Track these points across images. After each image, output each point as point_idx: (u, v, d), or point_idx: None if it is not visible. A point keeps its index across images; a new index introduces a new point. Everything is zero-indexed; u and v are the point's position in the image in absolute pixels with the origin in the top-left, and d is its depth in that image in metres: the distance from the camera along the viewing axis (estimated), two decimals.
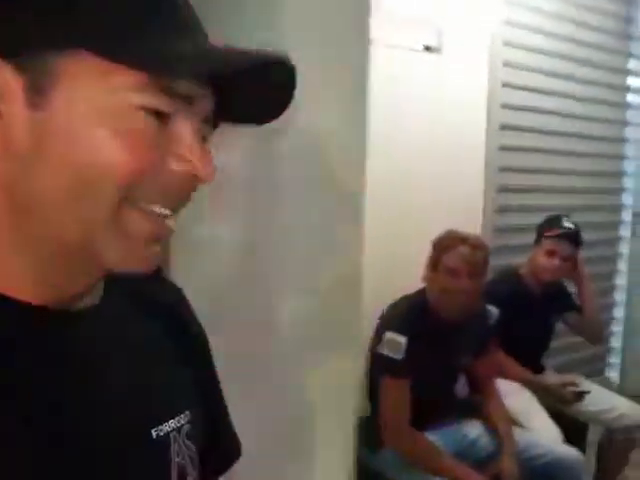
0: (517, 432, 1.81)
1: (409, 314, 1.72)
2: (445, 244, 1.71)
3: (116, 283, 0.47)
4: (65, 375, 0.41)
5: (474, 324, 1.82)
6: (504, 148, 2.53)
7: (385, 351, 1.65)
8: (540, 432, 1.87)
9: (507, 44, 2.46)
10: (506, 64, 2.47)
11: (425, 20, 2.18)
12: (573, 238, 2.04)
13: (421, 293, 1.78)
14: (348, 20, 1.15)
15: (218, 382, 0.59)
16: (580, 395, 2.02)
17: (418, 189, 2.21)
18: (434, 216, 2.18)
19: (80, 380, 0.42)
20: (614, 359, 3.36)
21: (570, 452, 1.83)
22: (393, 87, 2.09)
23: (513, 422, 1.90)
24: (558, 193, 2.81)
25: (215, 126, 0.44)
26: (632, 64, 3.11)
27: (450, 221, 1.86)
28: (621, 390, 3.28)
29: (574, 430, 2.12)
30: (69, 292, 0.43)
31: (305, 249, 1.10)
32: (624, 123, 3.16)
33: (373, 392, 1.76)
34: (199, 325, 0.57)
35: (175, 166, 0.40)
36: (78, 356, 0.43)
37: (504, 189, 2.56)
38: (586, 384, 2.17)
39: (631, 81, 3.14)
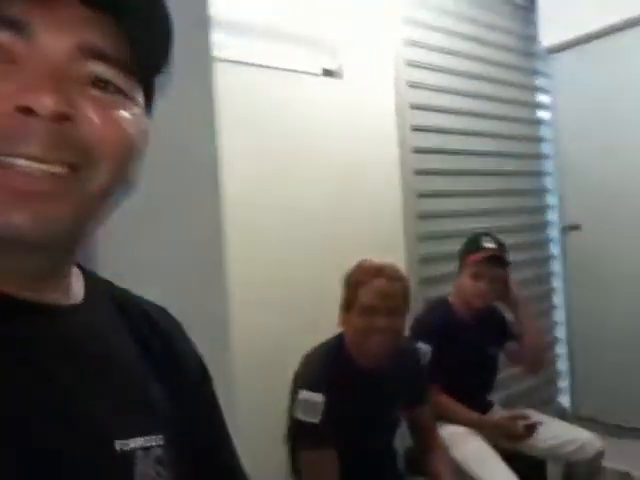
0: None
1: (324, 365, 1.47)
2: (357, 279, 1.49)
3: (107, 290, 0.49)
4: (29, 373, 0.38)
5: (404, 367, 1.60)
6: (420, 172, 2.40)
7: (300, 415, 1.39)
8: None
9: (410, 64, 2.36)
10: (412, 85, 2.36)
11: (323, 43, 2.05)
12: (497, 258, 1.88)
13: (337, 339, 1.55)
14: (189, 37, 0.98)
15: (218, 415, 0.55)
16: (532, 428, 1.81)
17: (329, 221, 2.02)
18: (353, 248, 2.00)
19: (46, 382, 0.39)
20: (562, 383, 3.22)
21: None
22: (294, 111, 1.94)
23: (464, 472, 1.67)
24: (482, 216, 2.70)
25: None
26: (539, 81, 3.10)
27: (370, 253, 1.66)
28: (574, 413, 3.15)
29: (532, 469, 1.92)
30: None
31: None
32: (539, 139, 3.13)
33: (295, 465, 1.48)
34: (196, 353, 0.55)
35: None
36: (47, 353, 0.40)
37: (425, 215, 2.42)
38: (538, 417, 1.98)
39: (540, 98, 3.13)
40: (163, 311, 0.54)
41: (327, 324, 1.58)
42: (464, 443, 1.76)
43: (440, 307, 2.00)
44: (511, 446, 1.85)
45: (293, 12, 1.96)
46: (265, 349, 1.75)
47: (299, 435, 1.41)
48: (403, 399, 1.59)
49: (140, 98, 0.43)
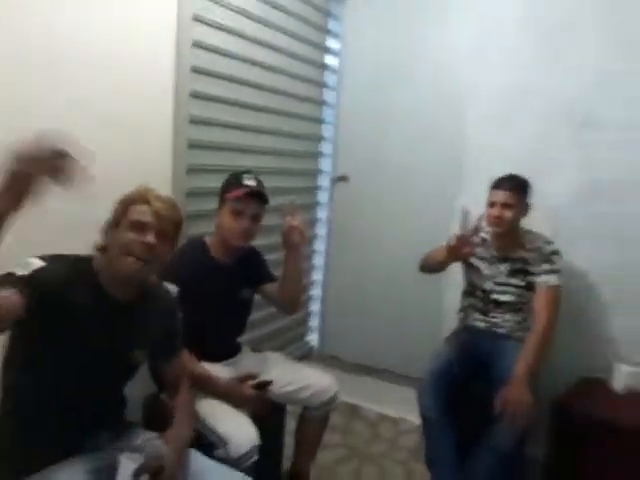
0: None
1: (62, 271, 1.26)
2: (132, 198, 1.33)
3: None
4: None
5: (156, 310, 1.42)
6: (195, 95, 2.16)
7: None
8: (232, 435, 1.59)
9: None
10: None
11: None
12: (258, 194, 1.79)
13: (86, 259, 1.33)
14: None
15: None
16: (262, 387, 1.78)
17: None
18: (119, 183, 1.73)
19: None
20: (312, 323, 3.41)
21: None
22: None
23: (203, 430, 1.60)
24: (256, 154, 2.59)
25: None
26: (330, 24, 3.06)
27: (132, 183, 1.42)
28: (320, 352, 3.38)
29: (272, 411, 1.93)
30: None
31: None
32: (323, 85, 3.12)
33: None
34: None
35: None
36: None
37: (195, 145, 2.21)
38: (275, 364, 1.99)
39: (329, 42, 3.09)
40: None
41: None
42: (201, 397, 1.67)
43: (194, 247, 1.85)
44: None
45: None
46: None
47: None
48: (152, 345, 1.43)
49: None
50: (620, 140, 2.29)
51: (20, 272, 1.17)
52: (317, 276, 3.37)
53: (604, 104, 2.31)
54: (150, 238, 1.28)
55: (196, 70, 2.15)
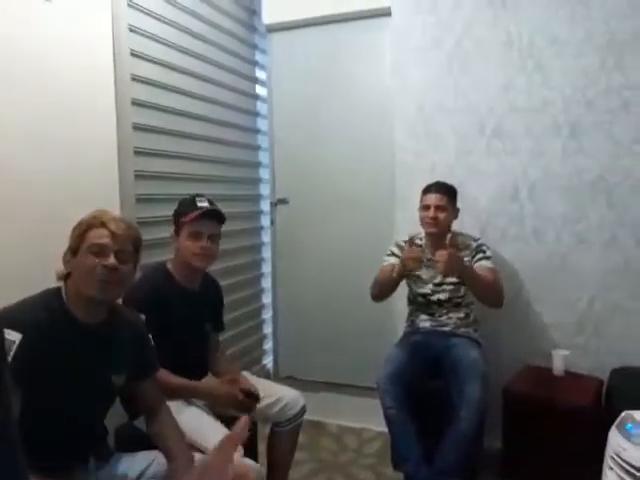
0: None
1: (32, 307, 1.27)
2: (89, 222, 1.34)
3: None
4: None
5: (127, 333, 1.44)
6: (137, 128, 2.21)
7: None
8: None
9: (131, 6, 2.14)
10: (132, 29, 2.15)
11: None
12: (215, 212, 1.86)
13: (54, 292, 1.33)
14: None
15: None
16: (250, 396, 1.84)
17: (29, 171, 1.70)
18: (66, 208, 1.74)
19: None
20: (267, 345, 3.45)
21: (252, 465, 1.63)
22: None
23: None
24: (200, 182, 2.65)
25: None
26: (258, 56, 3.20)
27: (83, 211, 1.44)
28: (276, 374, 3.41)
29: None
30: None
31: None
32: (256, 114, 3.23)
33: None
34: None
35: None
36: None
37: (142, 175, 2.24)
38: (249, 378, 2.04)
39: (259, 73, 3.23)
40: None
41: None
42: (183, 414, 1.69)
43: (156, 273, 1.88)
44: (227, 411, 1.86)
45: None
46: None
47: None
48: (127, 368, 1.43)
49: None
50: (524, 147, 2.55)
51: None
52: (266, 299, 3.43)
53: (508, 115, 2.56)
54: (111, 260, 1.30)
55: (135, 103, 2.20)
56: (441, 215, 2.32)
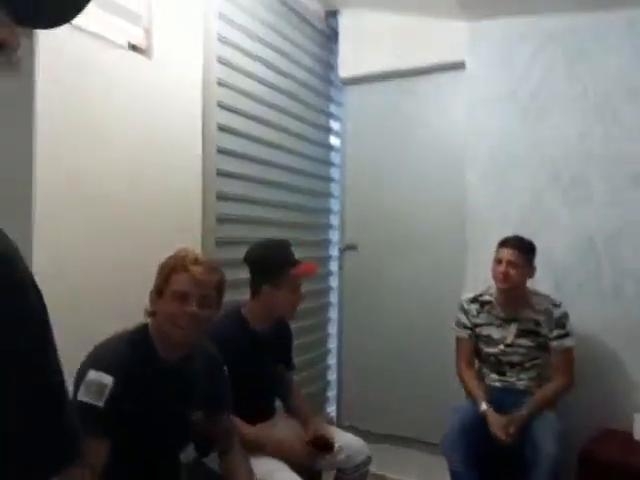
0: None
1: (122, 351, 1.33)
2: (173, 265, 1.39)
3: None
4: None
5: (207, 369, 1.50)
6: (220, 173, 2.34)
7: (83, 396, 1.23)
8: None
9: (220, 61, 2.31)
10: (220, 83, 2.32)
11: (130, 12, 1.87)
12: (315, 270, 1.95)
13: (142, 327, 1.41)
14: None
15: None
16: (323, 446, 1.84)
17: (126, 204, 1.85)
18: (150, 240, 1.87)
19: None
20: (331, 392, 3.42)
21: None
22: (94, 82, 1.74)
23: None
24: (271, 226, 2.74)
25: None
26: (333, 108, 3.33)
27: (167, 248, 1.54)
28: (338, 422, 3.37)
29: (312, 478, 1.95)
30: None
31: None
32: (329, 163, 3.34)
33: None
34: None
35: None
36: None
37: (222, 219, 2.36)
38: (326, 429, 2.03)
39: (333, 124, 3.36)
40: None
41: (133, 310, 1.43)
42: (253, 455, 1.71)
43: (232, 321, 1.91)
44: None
45: None
46: (75, 337, 1.50)
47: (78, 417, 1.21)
48: (203, 404, 1.48)
49: None
50: (600, 198, 2.48)
51: (94, 401, 1.22)
52: (332, 345, 3.43)
53: (584, 165, 2.52)
54: (193, 308, 1.34)
55: (220, 150, 2.34)
56: (513, 271, 2.25)
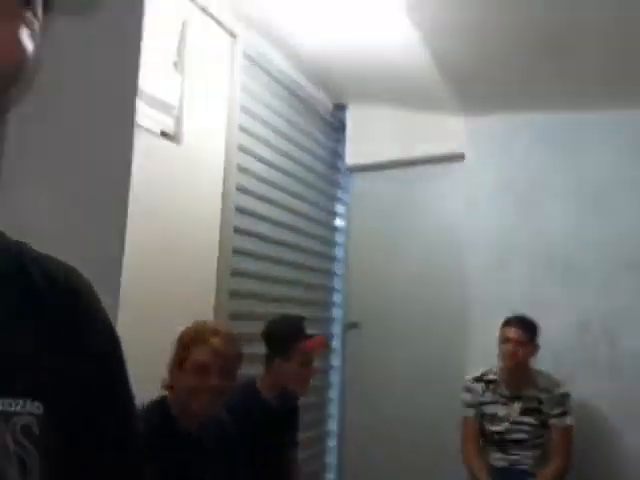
0: None
1: (146, 425, 1.35)
2: (192, 337, 1.45)
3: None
4: None
5: (220, 439, 1.53)
6: (236, 251, 2.46)
7: None
8: None
9: (241, 149, 2.50)
10: (240, 169, 2.49)
11: (164, 104, 2.05)
12: (326, 345, 2.02)
13: (160, 401, 1.45)
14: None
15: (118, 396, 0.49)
16: None
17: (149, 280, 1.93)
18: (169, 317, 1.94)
19: None
20: (329, 475, 3.35)
21: None
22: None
23: None
24: (275, 302, 2.80)
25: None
26: (339, 192, 3.52)
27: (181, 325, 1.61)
28: None
29: None
30: None
31: None
32: (333, 243, 3.48)
33: None
34: (107, 322, 0.50)
35: None
36: None
37: (234, 294, 2.45)
38: None
39: (338, 207, 3.53)
40: (72, 271, 0.49)
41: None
42: None
43: (247, 395, 1.94)
44: None
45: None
46: None
47: None
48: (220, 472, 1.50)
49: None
50: (595, 282, 2.62)
51: None
52: (332, 426, 3.40)
53: (578, 251, 2.67)
54: (213, 380, 1.39)
55: (237, 230, 2.47)
56: (520, 350, 2.33)
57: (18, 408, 0.38)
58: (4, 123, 0.73)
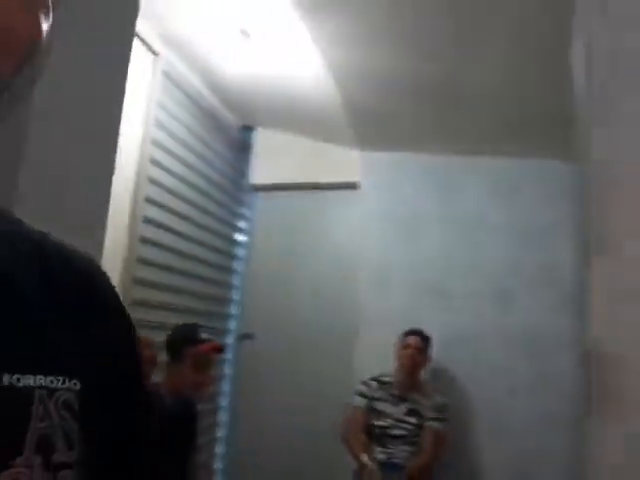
0: None
1: None
2: None
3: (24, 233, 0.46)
4: None
5: None
6: (140, 261, 2.54)
7: None
8: None
9: (152, 162, 2.59)
10: (150, 180, 2.58)
11: None
12: (220, 349, 2.14)
13: None
14: None
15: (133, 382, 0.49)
16: None
17: None
18: None
19: None
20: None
21: None
22: None
23: None
24: (172, 311, 2.87)
25: None
26: (243, 209, 3.69)
27: None
28: None
29: None
30: None
31: None
32: (234, 256, 3.63)
33: None
34: (117, 299, 0.50)
35: None
36: None
37: (138, 303, 2.52)
38: None
39: (241, 223, 3.69)
40: (90, 259, 0.51)
41: None
42: None
43: (153, 397, 2.05)
44: None
45: None
46: None
47: None
48: None
49: None
50: (461, 305, 3.04)
51: None
52: (220, 433, 3.51)
53: (448, 277, 3.08)
54: None
55: (142, 240, 2.56)
56: (418, 357, 2.69)
57: (59, 384, 0.39)
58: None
